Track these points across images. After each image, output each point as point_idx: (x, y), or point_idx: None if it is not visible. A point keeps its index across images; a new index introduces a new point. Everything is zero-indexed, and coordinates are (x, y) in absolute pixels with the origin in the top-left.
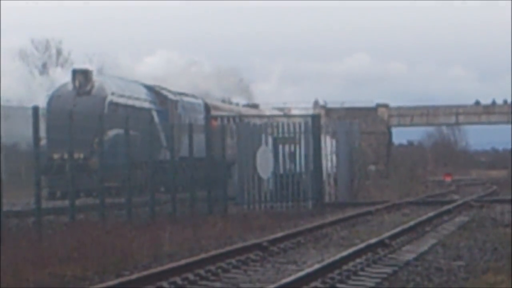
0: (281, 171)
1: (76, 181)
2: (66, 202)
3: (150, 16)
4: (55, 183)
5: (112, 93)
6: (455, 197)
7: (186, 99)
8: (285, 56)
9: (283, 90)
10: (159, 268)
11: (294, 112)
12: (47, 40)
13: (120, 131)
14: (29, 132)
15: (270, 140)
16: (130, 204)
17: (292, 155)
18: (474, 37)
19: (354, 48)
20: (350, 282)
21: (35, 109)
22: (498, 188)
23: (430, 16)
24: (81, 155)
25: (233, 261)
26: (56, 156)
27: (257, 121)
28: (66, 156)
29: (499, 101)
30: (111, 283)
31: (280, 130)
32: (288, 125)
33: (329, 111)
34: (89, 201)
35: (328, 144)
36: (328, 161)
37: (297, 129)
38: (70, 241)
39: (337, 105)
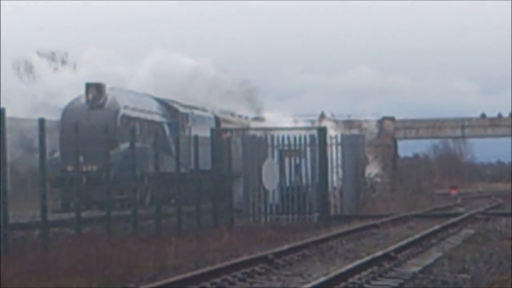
0: (287, 183)
1: (89, 194)
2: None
3: (151, 20)
4: (69, 195)
5: (125, 107)
6: (461, 210)
7: (196, 112)
8: (289, 68)
9: (287, 102)
10: (164, 281)
11: (301, 124)
12: (53, 52)
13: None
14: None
15: (276, 152)
16: (136, 217)
17: (298, 167)
18: (478, 50)
19: (356, 61)
20: None
21: (41, 121)
22: (504, 201)
23: (432, 29)
24: (94, 168)
25: (238, 273)
26: (69, 168)
27: (263, 134)
28: (80, 168)
29: (505, 114)
30: None
31: (286, 142)
32: (294, 137)
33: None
34: (95, 213)
35: (334, 156)
36: (334, 173)
37: (303, 142)
38: (76, 253)
39: (344, 118)
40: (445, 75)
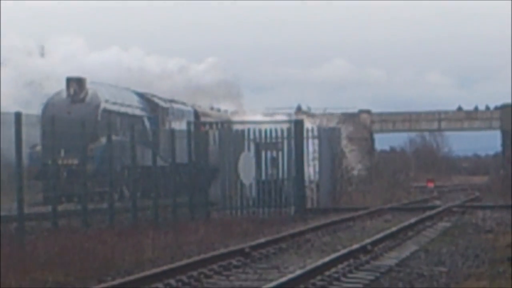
0: (263, 177)
1: (71, 187)
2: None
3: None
4: (50, 188)
5: (106, 101)
6: (438, 203)
7: (176, 106)
8: (264, 62)
9: (264, 95)
10: (141, 274)
11: (278, 117)
12: (42, 46)
13: (113, 137)
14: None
15: (252, 146)
16: (113, 210)
17: (275, 160)
18: (452, 43)
19: (332, 54)
20: None
21: (18, 115)
22: (480, 194)
23: (407, 23)
24: (75, 161)
25: (215, 267)
26: (50, 161)
27: (240, 127)
28: (60, 162)
29: (482, 107)
30: None
31: (263, 135)
32: (271, 130)
33: (312, 116)
34: (71, 206)
35: (310, 149)
36: (311, 166)
37: (280, 135)
38: (52, 246)
39: (320, 111)
40: (419, 69)
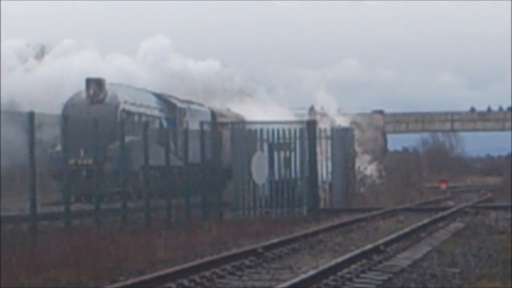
0: (276, 177)
1: (89, 186)
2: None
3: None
4: (71, 187)
5: (125, 101)
6: (450, 203)
7: (193, 106)
8: (275, 63)
9: (276, 95)
10: (154, 274)
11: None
12: (42, 45)
13: (132, 138)
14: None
15: (265, 146)
16: (126, 210)
17: (288, 161)
18: (463, 44)
19: (343, 54)
20: None
21: (31, 115)
22: (493, 195)
23: (417, 23)
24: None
25: (228, 267)
26: (71, 161)
27: (253, 127)
28: (80, 161)
29: (495, 108)
30: None
31: (276, 136)
32: (284, 131)
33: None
34: (85, 206)
35: (323, 150)
36: (324, 167)
37: (293, 135)
38: (65, 246)
39: (333, 111)
40: (430, 69)
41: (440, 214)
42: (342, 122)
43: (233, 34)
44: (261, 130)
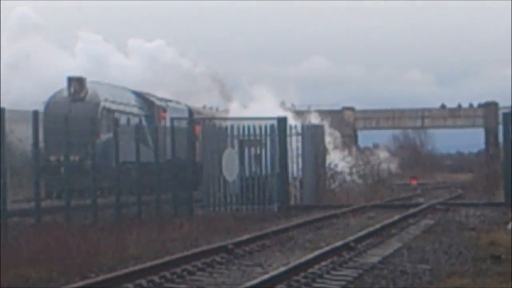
0: (247, 173)
1: (71, 182)
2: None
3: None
4: (52, 183)
5: (105, 99)
6: (421, 200)
7: (171, 104)
8: (242, 59)
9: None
10: (124, 270)
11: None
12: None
13: (111, 135)
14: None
15: (236, 142)
16: (96, 206)
17: (258, 157)
18: (430, 41)
19: (310, 52)
20: (315, 285)
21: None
22: (463, 192)
23: (385, 19)
24: (77, 157)
25: (198, 263)
26: (52, 158)
27: (223, 123)
28: (62, 158)
29: (465, 105)
30: (76, 285)
31: (247, 132)
32: (254, 127)
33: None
34: (55, 203)
35: (294, 146)
36: (294, 163)
37: (263, 132)
38: (36, 242)
39: (304, 108)
40: (398, 66)
41: (411, 210)
42: (313, 119)
43: (196, 29)
44: (232, 126)
